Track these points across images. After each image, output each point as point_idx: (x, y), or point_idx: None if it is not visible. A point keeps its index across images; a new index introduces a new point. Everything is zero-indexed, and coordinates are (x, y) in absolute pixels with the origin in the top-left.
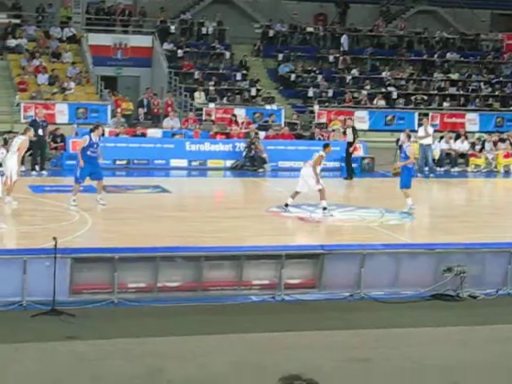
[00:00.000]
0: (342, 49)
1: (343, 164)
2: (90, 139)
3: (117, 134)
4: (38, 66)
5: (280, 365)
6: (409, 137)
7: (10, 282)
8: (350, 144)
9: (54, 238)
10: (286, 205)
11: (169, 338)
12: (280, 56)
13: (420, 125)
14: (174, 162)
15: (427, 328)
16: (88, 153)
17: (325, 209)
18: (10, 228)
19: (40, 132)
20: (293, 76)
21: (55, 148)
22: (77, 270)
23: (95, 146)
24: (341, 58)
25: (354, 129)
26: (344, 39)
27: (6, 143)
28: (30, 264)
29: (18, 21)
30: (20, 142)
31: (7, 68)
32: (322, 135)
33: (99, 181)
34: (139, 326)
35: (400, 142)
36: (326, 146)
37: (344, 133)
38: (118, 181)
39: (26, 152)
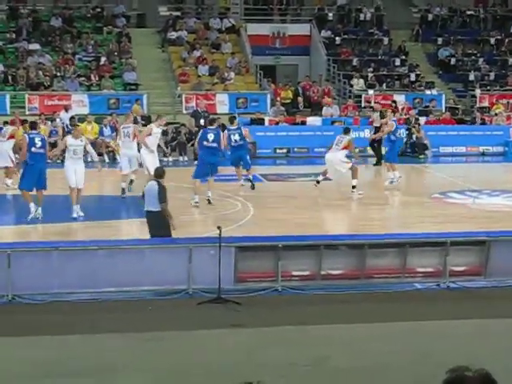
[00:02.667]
0: None
1: (507, 148)
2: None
3: (277, 123)
4: (198, 58)
5: (447, 354)
6: (394, 112)
7: (177, 271)
8: (377, 129)
9: (219, 227)
10: (318, 182)
11: (333, 325)
12: (439, 40)
13: None
14: None
15: None
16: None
17: (354, 187)
18: (175, 217)
19: (201, 122)
20: (453, 60)
21: None
22: (241, 258)
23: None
24: (507, 40)
25: (381, 113)
26: None
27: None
28: (196, 253)
29: (178, 13)
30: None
31: (168, 60)
32: (484, 119)
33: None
34: (303, 313)
35: None
36: (347, 130)
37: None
38: (278, 169)
39: (188, 142)
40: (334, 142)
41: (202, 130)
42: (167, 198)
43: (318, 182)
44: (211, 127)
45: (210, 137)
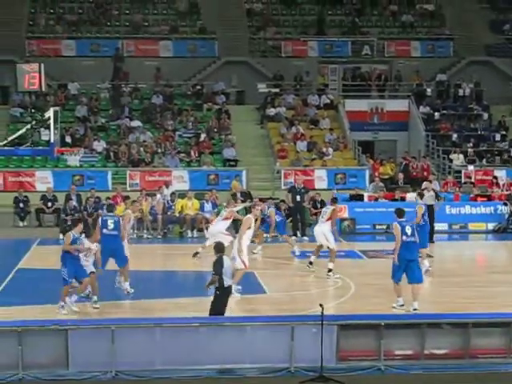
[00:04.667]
0: None
1: None
2: None
3: (376, 199)
4: (296, 133)
5: None
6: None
7: (279, 348)
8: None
9: (321, 305)
10: (311, 263)
11: None
12: None
13: None
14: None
15: None
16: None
17: (330, 270)
18: (276, 294)
19: (298, 198)
20: None
21: (315, 214)
22: (343, 336)
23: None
24: None
25: (435, 192)
26: None
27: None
28: (298, 330)
29: (277, 90)
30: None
31: (267, 136)
32: None
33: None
34: None
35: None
36: (333, 200)
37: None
38: (378, 245)
39: (287, 218)
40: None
41: (397, 223)
42: None
43: (310, 263)
44: (402, 219)
45: (408, 230)
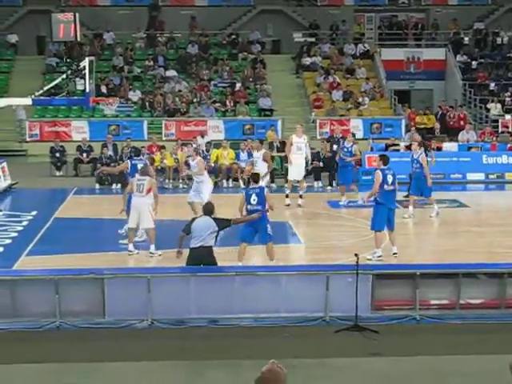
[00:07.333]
0: None
1: None
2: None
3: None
4: (332, 83)
5: None
6: (420, 145)
7: (314, 298)
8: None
9: (356, 255)
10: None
11: (472, 356)
12: None
13: None
14: (470, 176)
15: None
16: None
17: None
18: (311, 243)
19: (334, 148)
20: None
21: None
22: (378, 286)
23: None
24: None
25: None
26: None
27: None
28: (333, 280)
29: (313, 39)
30: None
31: (303, 86)
32: None
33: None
34: (442, 343)
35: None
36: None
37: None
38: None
39: (322, 169)
40: None
41: (379, 171)
42: None
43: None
44: (385, 167)
45: (390, 178)
